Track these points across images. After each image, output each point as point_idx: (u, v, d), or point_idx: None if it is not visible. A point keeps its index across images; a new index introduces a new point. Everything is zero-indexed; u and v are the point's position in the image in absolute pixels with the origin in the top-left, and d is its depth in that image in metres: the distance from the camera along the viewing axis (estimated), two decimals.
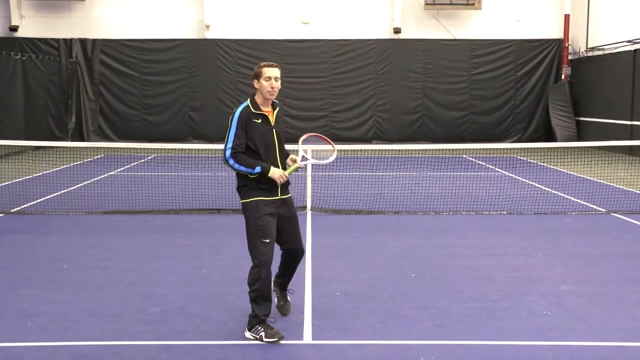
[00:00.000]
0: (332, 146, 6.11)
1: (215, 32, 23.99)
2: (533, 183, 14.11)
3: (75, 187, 13.19)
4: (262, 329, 5.32)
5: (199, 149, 14.97)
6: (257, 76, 5.47)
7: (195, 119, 24.01)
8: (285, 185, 5.62)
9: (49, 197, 12.06)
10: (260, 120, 5.49)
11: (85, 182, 13.79)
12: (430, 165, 15.68)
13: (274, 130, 5.56)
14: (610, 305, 6.23)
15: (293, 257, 5.82)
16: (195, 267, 7.52)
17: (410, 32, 24.07)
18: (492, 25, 24.21)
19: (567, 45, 23.74)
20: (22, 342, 5.29)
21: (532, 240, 9.03)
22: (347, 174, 14.13)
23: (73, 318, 5.83)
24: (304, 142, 5.89)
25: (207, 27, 23.91)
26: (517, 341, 5.35)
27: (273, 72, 5.45)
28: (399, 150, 15.50)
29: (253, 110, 5.50)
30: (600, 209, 11.19)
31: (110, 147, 19.91)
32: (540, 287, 6.80)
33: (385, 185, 13.13)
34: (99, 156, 19.07)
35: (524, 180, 14.56)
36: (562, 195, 12.57)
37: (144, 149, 18.04)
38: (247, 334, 5.40)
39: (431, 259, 7.95)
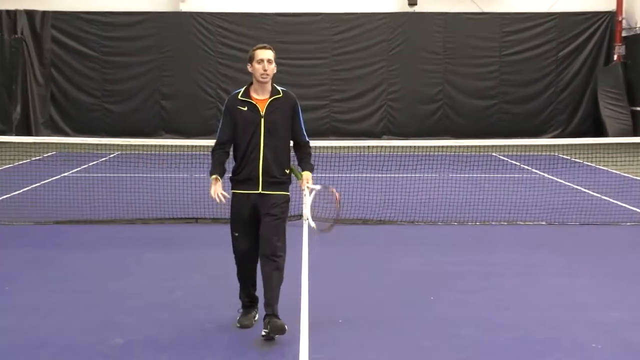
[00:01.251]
0: (334, 218, 6.58)
1: (192, 4, 24.00)
2: (578, 187, 14.13)
3: (21, 191, 13.18)
4: (240, 314, 6.35)
5: (172, 145, 14.97)
6: (250, 60, 6.08)
7: (168, 109, 24.02)
8: (275, 182, 6.05)
9: None
10: (245, 108, 6.02)
11: (33, 185, 13.78)
12: (453, 165, 15.68)
13: (262, 119, 5.96)
14: None
15: (262, 265, 5.99)
16: (167, 289, 7.52)
17: (428, 4, 24.08)
18: None
19: (620, 19, 23.75)
20: None
21: (577, 256, 9.03)
22: (352, 175, 14.12)
23: (17, 350, 5.82)
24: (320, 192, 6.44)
25: None
26: None
27: (265, 54, 6.03)
28: (414, 147, 15.48)
29: (240, 97, 6.12)
30: None
31: (64, 143, 19.87)
32: (587, 314, 6.80)
33: (397, 190, 13.12)
34: (50, 153, 19.05)
35: (567, 183, 14.57)
36: (614, 202, 12.58)
37: (106, 145, 18.01)
38: None
39: (453, 278, 7.95)
